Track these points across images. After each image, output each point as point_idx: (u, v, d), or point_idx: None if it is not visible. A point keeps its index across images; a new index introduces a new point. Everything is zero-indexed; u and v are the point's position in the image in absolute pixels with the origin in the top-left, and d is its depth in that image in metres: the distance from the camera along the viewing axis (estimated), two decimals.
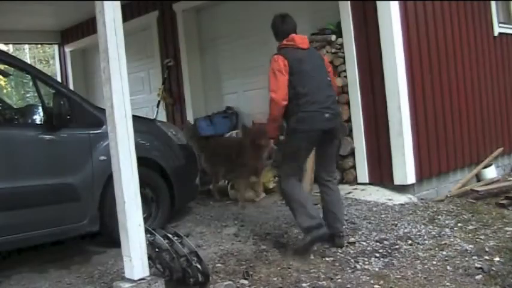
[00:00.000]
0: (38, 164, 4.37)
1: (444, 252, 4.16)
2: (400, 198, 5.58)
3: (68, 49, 11.09)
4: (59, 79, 10.82)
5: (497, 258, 3.98)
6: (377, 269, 3.91)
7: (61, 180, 4.42)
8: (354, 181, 6.07)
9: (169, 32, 8.64)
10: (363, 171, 6.00)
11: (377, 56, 5.75)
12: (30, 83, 8.39)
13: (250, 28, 7.57)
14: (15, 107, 7.04)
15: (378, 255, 4.16)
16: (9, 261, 4.53)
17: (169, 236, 3.79)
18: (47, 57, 19.88)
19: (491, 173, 6.70)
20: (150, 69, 9.29)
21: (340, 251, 4.29)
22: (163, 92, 8.60)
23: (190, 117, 8.35)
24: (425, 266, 3.93)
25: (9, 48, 16.05)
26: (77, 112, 4.58)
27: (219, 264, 4.16)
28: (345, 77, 6.06)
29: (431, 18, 6.10)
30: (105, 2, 3.45)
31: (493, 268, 3.79)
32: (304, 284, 3.71)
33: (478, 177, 6.63)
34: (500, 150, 6.97)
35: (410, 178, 5.72)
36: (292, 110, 4.17)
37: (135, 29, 8.73)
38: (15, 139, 4.37)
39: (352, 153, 6.07)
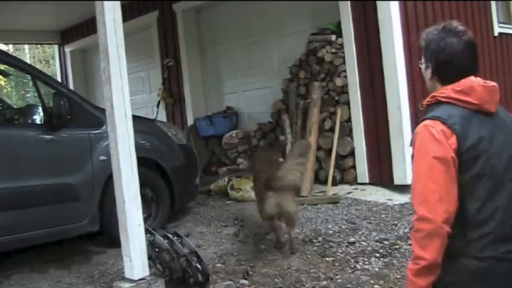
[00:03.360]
0: (38, 164, 4.37)
1: None
2: (400, 198, 5.57)
3: (68, 49, 11.10)
4: (59, 79, 10.82)
5: None
6: (377, 269, 3.91)
7: (61, 180, 4.43)
8: (354, 181, 6.07)
9: (169, 32, 8.65)
10: (363, 171, 6.00)
11: (377, 56, 5.74)
12: (30, 83, 8.38)
13: (250, 28, 7.57)
14: (15, 107, 7.04)
15: (377, 255, 4.15)
16: (9, 261, 4.53)
17: (169, 236, 3.80)
18: (47, 57, 19.85)
19: None
20: (150, 69, 9.30)
21: (340, 251, 4.29)
22: (163, 92, 8.60)
23: (190, 117, 8.36)
24: None
25: (9, 48, 16.03)
26: (77, 112, 4.59)
27: (219, 264, 4.16)
28: (345, 77, 6.05)
29: (431, 18, 6.09)
30: (105, 2, 3.45)
31: None
32: (304, 284, 3.71)
33: None
34: None
35: (411, 178, 5.70)
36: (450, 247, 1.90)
37: (135, 29, 8.73)
38: (16, 139, 4.37)
39: (352, 153, 6.07)
